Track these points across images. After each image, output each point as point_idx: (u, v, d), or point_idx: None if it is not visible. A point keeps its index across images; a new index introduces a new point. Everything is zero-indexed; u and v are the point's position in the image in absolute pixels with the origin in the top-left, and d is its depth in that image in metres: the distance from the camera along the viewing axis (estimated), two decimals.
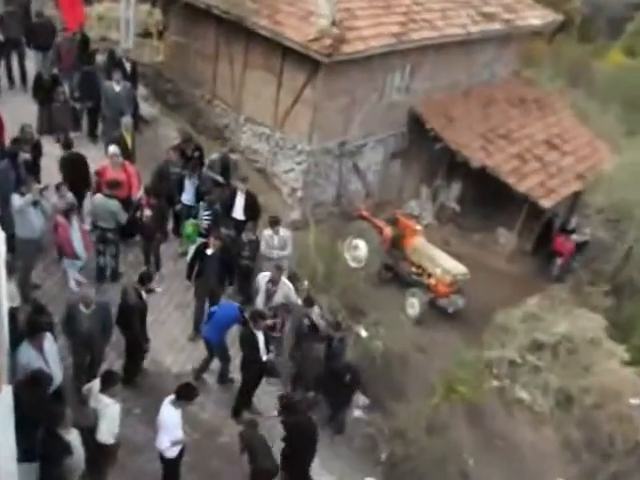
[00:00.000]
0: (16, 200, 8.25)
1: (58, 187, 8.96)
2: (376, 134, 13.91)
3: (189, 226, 9.88)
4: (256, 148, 13.62)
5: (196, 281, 8.85)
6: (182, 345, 8.96)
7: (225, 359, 8.36)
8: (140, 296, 7.72)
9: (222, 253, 8.70)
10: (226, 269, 8.87)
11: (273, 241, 9.62)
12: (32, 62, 12.48)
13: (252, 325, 7.96)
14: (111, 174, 9.52)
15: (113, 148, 9.67)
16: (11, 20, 12.15)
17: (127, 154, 10.24)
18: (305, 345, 8.80)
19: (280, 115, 13.00)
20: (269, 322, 8.30)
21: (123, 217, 9.04)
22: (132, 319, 7.65)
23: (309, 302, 8.83)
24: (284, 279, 8.93)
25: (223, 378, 8.42)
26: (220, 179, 10.67)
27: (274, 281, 8.78)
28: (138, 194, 9.53)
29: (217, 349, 8.24)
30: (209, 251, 8.67)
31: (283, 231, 9.68)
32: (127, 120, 10.52)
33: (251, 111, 13.46)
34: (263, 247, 9.65)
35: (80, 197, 9.73)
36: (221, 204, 10.49)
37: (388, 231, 12.74)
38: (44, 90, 11.23)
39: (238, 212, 10.11)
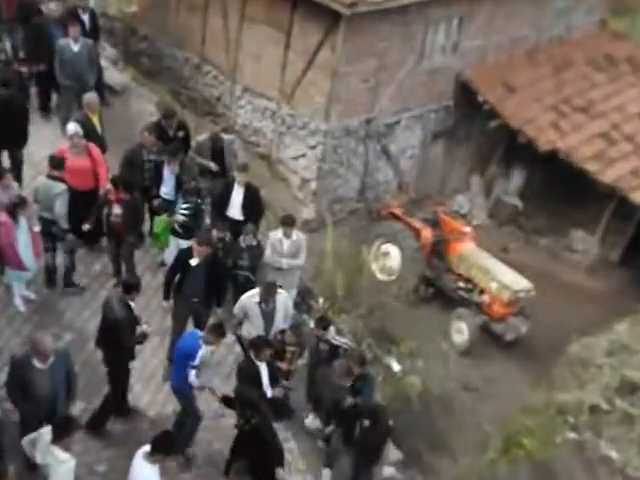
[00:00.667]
0: None
1: (1, 175, 8.97)
2: (412, 109, 13.99)
3: (160, 223, 9.89)
4: (257, 127, 13.74)
5: (175, 299, 8.76)
6: (161, 381, 8.98)
7: (193, 417, 7.94)
8: (129, 307, 7.79)
9: (211, 264, 8.65)
10: (215, 285, 8.79)
11: (282, 247, 9.61)
12: None
13: (253, 356, 7.92)
14: (71, 160, 9.50)
15: (73, 126, 9.67)
16: None
17: (94, 140, 10.23)
18: (322, 373, 8.76)
19: (288, 84, 13.07)
20: (290, 349, 8.30)
21: (61, 207, 8.92)
22: (121, 335, 7.66)
23: (324, 323, 8.80)
24: (280, 292, 8.82)
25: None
26: (212, 166, 10.65)
27: (265, 301, 8.68)
28: (105, 187, 9.61)
29: (179, 399, 7.99)
30: (193, 261, 8.60)
31: (296, 234, 9.66)
32: (91, 97, 10.45)
33: (251, 79, 13.55)
34: (269, 254, 9.65)
35: (13, 159, 9.68)
36: (213, 199, 10.57)
37: (427, 234, 12.79)
38: None
39: (235, 210, 10.13)
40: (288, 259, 9.62)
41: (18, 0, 11.96)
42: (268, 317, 8.71)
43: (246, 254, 9.66)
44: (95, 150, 9.66)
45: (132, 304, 7.88)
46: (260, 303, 8.64)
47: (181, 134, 10.62)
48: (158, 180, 10.03)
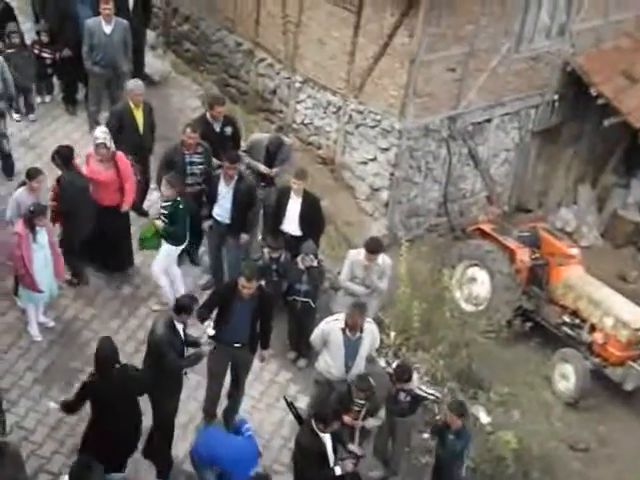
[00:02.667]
0: None
1: (32, 175, 8.97)
2: (507, 104, 13.93)
3: (150, 227, 9.68)
4: (319, 125, 13.76)
5: (214, 341, 8.43)
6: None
7: None
8: (174, 328, 7.83)
9: (259, 299, 8.38)
10: (263, 323, 8.59)
11: (365, 271, 9.43)
12: None
13: (315, 427, 7.63)
14: (94, 171, 9.45)
15: (101, 133, 9.57)
16: None
17: (135, 138, 10.20)
18: (402, 427, 8.69)
19: (357, 74, 13.01)
20: (359, 401, 8.09)
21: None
22: (163, 358, 7.66)
23: (406, 374, 8.63)
24: (367, 321, 8.65)
25: None
26: (263, 168, 10.58)
27: (352, 327, 8.46)
28: (129, 203, 9.66)
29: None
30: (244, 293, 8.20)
31: (382, 258, 9.58)
32: (135, 85, 10.35)
33: (312, 68, 13.56)
34: (345, 277, 9.56)
35: None
36: (265, 211, 10.59)
37: (525, 256, 12.62)
38: None
39: (290, 224, 10.11)
40: (372, 284, 9.54)
41: None
42: (352, 347, 8.58)
43: (305, 277, 9.65)
44: (123, 161, 9.61)
45: (180, 326, 7.88)
46: (345, 329, 8.49)
47: (229, 131, 10.61)
48: (210, 194, 9.81)
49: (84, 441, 7.71)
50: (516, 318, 12.34)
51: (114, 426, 7.46)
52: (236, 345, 8.42)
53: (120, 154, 9.63)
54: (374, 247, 9.43)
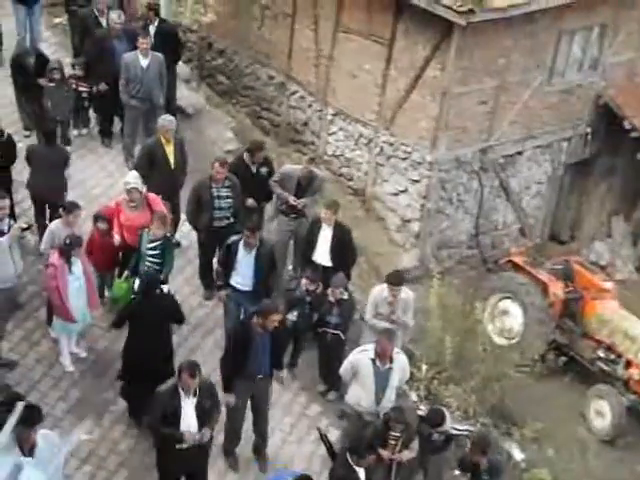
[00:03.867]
0: None
1: (69, 209, 9.06)
2: (539, 136, 13.92)
3: (120, 287, 9.42)
4: (350, 157, 13.84)
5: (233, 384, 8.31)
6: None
7: None
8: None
9: (279, 330, 8.36)
10: (280, 350, 8.60)
11: (390, 307, 9.43)
12: (11, 19, 13.05)
13: (350, 460, 7.46)
14: (127, 215, 9.49)
15: (133, 178, 9.56)
16: None
17: (166, 173, 10.22)
18: (435, 465, 8.64)
19: (389, 107, 13.08)
20: (394, 434, 7.96)
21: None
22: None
23: (439, 417, 8.53)
24: (397, 352, 8.60)
25: None
26: (292, 199, 10.51)
27: (382, 356, 8.41)
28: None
29: None
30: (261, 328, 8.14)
31: (405, 292, 9.54)
32: (167, 120, 10.41)
33: (344, 100, 13.64)
34: (370, 314, 9.55)
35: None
36: (297, 242, 10.57)
37: (558, 289, 12.52)
38: (28, 75, 11.48)
39: (322, 255, 10.11)
40: (395, 318, 9.46)
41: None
42: (382, 378, 8.49)
43: (336, 309, 9.61)
44: (157, 203, 9.55)
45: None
46: (375, 360, 8.42)
47: (264, 171, 10.66)
48: (226, 262, 9.43)
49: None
50: (550, 352, 12.22)
51: (146, 349, 8.08)
52: (259, 377, 8.37)
53: (152, 195, 9.62)
54: (396, 279, 9.40)
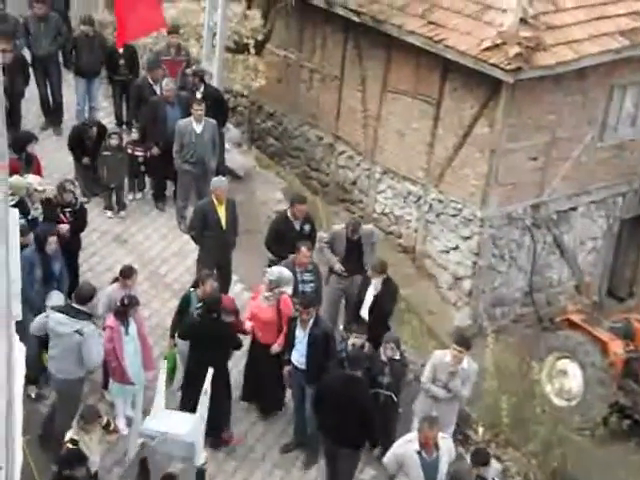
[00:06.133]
0: (49, 319, 8.40)
1: (126, 273, 9.20)
2: (592, 192, 13.86)
3: (171, 357, 9.37)
4: (399, 215, 13.92)
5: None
6: None
7: None
8: None
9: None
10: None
11: (449, 373, 9.13)
12: (72, 91, 13.23)
13: None
14: (259, 305, 9.48)
15: (276, 271, 9.47)
16: (39, 28, 12.61)
17: (218, 234, 10.37)
18: None
19: (437, 165, 13.22)
20: None
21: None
22: None
23: (482, 458, 8.28)
24: (443, 436, 8.32)
25: None
26: (338, 267, 10.53)
27: (427, 445, 8.07)
28: (281, 345, 9.46)
29: None
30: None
31: (468, 362, 9.16)
32: (220, 182, 10.57)
33: (392, 159, 13.78)
34: (427, 378, 9.27)
35: None
36: (347, 301, 10.58)
37: (618, 348, 12.27)
38: (87, 145, 11.78)
39: (367, 310, 10.09)
40: (453, 387, 9.21)
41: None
42: (431, 469, 8.18)
43: (387, 369, 9.41)
44: (287, 303, 9.45)
45: None
46: (420, 452, 8.14)
47: (307, 228, 10.62)
48: (287, 337, 9.34)
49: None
50: (612, 415, 11.94)
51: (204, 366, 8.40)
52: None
53: (285, 297, 9.49)
54: (463, 341, 9.15)
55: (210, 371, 8.43)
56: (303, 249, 9.86)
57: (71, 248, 10.04)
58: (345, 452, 8.67)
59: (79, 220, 10.27)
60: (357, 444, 8.68)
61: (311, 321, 9.09)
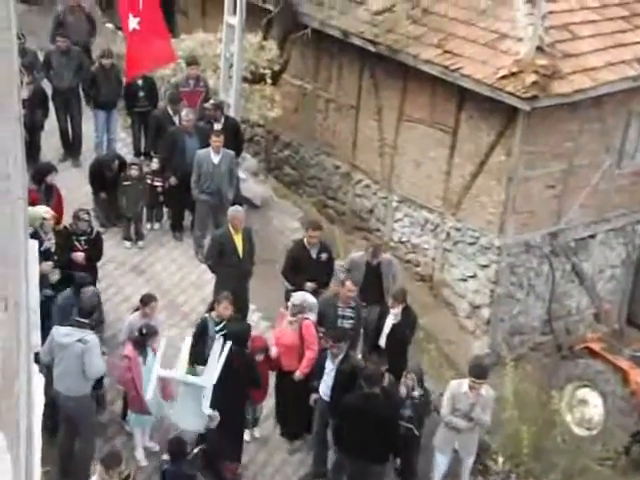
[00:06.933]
0: (54, 334, 8.47)
1: (146, 301, 9.26)
2: (611, 220, 13.75)
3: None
4: (416, 243, 13.89)
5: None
6: None
7: None
8: None
9: None
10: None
11: (466, 403, 9.12)
12: (90, 123, 13.36)
13: None
14: (283, 330, 9.57)
15: (300, 297, 9.55)
16: (62, 62, 12.79)
17: (235, 263, 10.40)
18: None
19: (454, 192, 13.20)
20: None
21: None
22: None
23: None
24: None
25: None
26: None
27: None
28: (305, 373, 9.51)
29: None
30: None
31: (486, 389, 9.19)
32: (237, 211, 10.60)
33: (409, 188, 13.78)
34: (446, 411, 9.25)
35: None
36: (366, 330, 10.45)
37: (639, 377, 12.15)
38: (106, 178, 11.91)
39: (384, 339, 10.16)
40: (474, 417, 9.17)
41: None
42: None
43: (409, 401, 9.43)
44: (309, 329, 9.46)
45: None
46: None
47: (324, 257, 10.64)
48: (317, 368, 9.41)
49: None
50: (634, 444, 11.84)
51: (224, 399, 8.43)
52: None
53: (307, 322, 9.51)
54: (480, 372, 9.09)
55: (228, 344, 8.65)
56: (348, 283, 9.84)
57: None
58: (371, 469, 8.66)
59: (94, 248, 10.37)
60: (382, 458, 8.71)
61: (341, 356, 9.07)
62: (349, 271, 10.71)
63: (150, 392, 8.57)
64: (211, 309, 9.51)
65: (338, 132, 14.54)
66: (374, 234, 14.20)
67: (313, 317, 9.66)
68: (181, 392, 8.63)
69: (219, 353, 8.61)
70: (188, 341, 9.07)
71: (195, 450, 8.79)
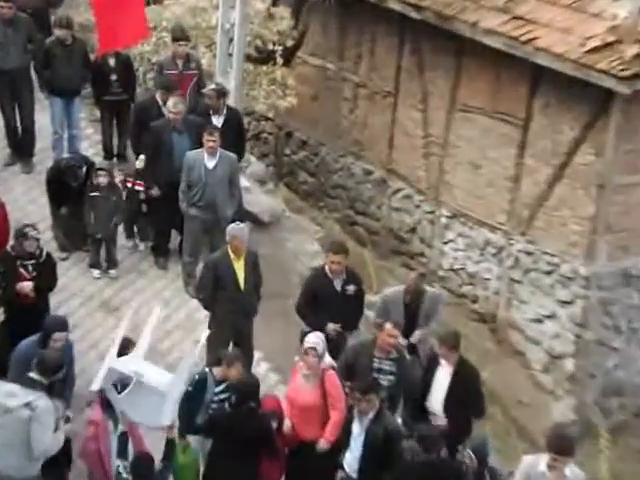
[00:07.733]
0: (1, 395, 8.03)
1: (124, 345, 8.90)
2: None
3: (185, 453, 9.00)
4: (474, 272, 13.59)
5: None
6: None
7: None
8: None
9: None
10: None
11: None
12: (46, 115, 13.04)
13: None
14: (296, 386, 9.17)
15: (315, 336, 9.15)
16: (7, 34, 12.27)
17: (236, 296, 10.09)
18: None
19: (525, 206, 12.90)
20: None
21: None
22: None
23: None
24: None
25: None
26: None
27: None
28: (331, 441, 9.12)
29: None
30: None
31: (571, 470, 8.50)
32: (238, 230, 10.18)
33: (463, 199, 13.56)
34: None
35: None
36: (405, 387, 9.86)
37: None
38: (69, 187, 11.48)
39: (437, 401, 9.59)
40: None
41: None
42: None
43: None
44: (332, 379, 8.98)
45: None
46: None
47: (351, 289, 10.16)
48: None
49: None
50: None
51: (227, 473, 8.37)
52: None
53: (330, 373, 9.08)
54: (563, 447, 8.30)
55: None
56: (388, 327, 9.41)
57: (36, 313, 9.58)
58: None
59: (45, 275, 9.95)
60: None
61: (371, 414, 8.65)
62: (382, 314, 10.29)
63: (97, 384, 8.42)
64: (217, 362, 9.15)
65: (370, 127, 14.45)
66: (417, 260, 13.97)
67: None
68: (132, 387, 8.44)
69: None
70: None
71: None
